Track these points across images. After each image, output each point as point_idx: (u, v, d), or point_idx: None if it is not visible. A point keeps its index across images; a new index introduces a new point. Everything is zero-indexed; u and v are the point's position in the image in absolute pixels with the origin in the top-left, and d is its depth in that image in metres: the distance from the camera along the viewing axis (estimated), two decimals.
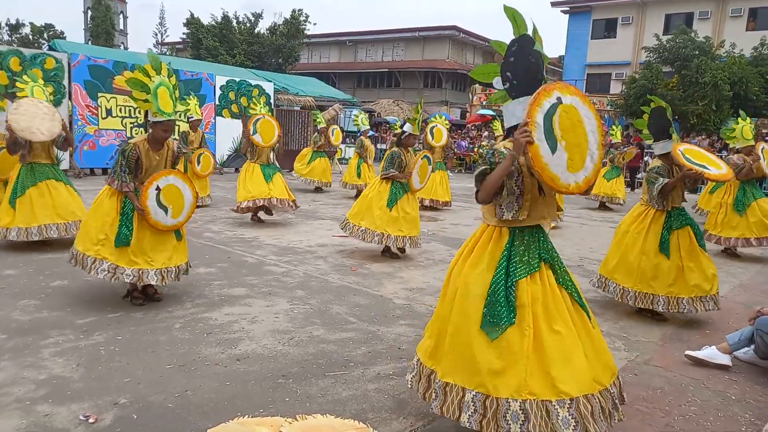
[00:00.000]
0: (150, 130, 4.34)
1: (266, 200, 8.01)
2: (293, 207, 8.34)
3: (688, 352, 3.90)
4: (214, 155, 10.12)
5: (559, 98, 2.43)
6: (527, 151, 2.38)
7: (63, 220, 6.12)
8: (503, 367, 2.45)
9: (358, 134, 12.95)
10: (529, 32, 2.58)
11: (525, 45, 2.55)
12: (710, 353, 3.83)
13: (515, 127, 2.56)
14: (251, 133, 7.91)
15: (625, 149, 12.20)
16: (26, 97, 6.00)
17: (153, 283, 4.38)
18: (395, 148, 6.42)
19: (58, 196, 6.14)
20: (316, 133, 13.11)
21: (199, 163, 9.49)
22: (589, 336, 2.59)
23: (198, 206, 9.44)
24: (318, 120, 13.36)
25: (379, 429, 2.80)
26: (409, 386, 2.88)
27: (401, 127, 6.78)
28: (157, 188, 4.27)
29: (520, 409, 2.37)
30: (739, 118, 7.37)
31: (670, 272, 4.53)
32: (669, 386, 3.49)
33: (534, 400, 2.37)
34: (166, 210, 4.32)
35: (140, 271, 4.31)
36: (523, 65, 2.55)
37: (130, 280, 4.31)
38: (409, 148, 6.46)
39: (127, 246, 4.27)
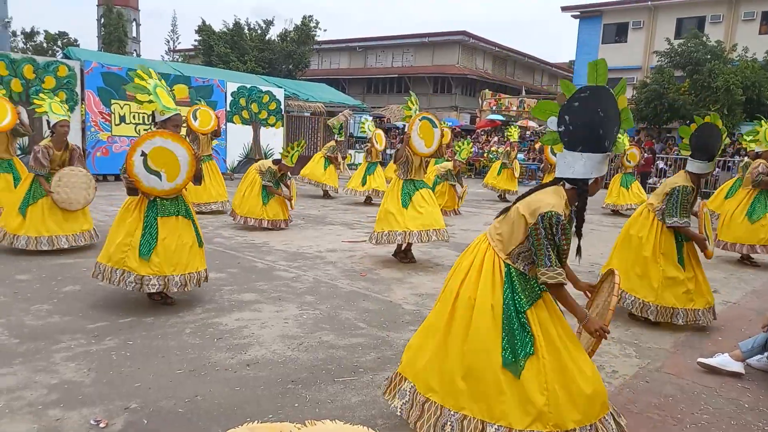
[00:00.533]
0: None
1: (257, 221, 8.25)
2: (285, 226, 8.52)
3: (700, 360, 3.86)
4: (217, 118, 9.85)
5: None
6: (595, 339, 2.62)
7: (72, 232, 6.30)
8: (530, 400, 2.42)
9: (366, 140, 13.01)
10: (612, 91, 2.49)
11: (598, 97, 2.44)
12: (723, 361, 3.79)
13: (576, 182, 2.53)
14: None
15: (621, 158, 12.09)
16: (68, 169, 6.18)
17: (176, 289, 4.41)
18: (401, 145, 6.43)
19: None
20: (333, 142, 13.12)
21: (196, 119, 9.20)
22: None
23: (216, 211, 9.55)
24: (335, 129, 13.41)
25: None
26: (399, 413, 2.71)
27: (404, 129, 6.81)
28: (142, 153, 4.17)
29: None
30: (763, 121, 7.30)
31: (687, 284, 4.51)
32: (681, 394, 3.46)
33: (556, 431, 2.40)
34: (159, 175, 4.23)
35: (166, 279, 4.33)
36: (586, 114, 2.44)
37: (156, 290, 4.35)
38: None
39: (151, 256, 4.29)
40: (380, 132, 12.47)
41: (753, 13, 26.14)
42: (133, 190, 4.32)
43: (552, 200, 2.45)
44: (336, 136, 13.30)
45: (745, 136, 7.63)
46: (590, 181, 2.52)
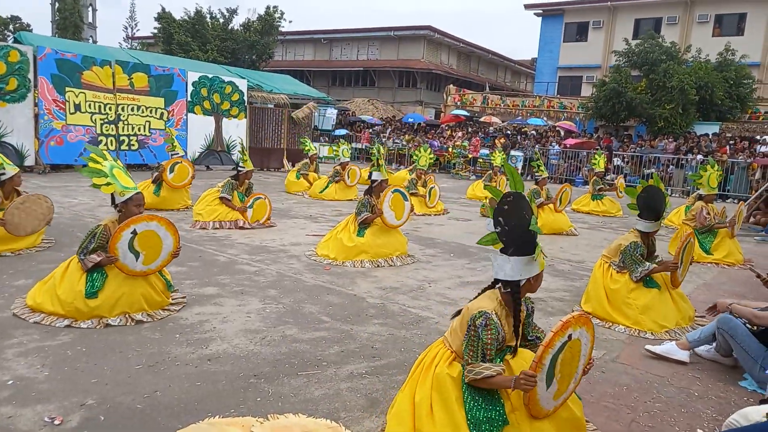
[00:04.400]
0: (121, 212, 4.23)
1: (233, 222, 7.99)
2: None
3: (647, 347, 4.03)
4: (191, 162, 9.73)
5: (570, 336, 2.45)
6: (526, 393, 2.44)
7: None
8: None
9: (336, 163, 12.93)
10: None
11: (521, 201, 2.62)
12: (669, 348, 3.97)
13: (509, 284, 2.63)
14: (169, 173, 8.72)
15: (614, 188, 12.41)
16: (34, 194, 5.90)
17: None
18: (366, 197, 6.45)
19: None
20: (306, 160, 13.19)
21: (172, 171, 9.05)
22: None
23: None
24: (307, 148, 13.34)
25: (352, 428, 2.81)
26: None
27: (369, 177, 6.75)
28: (134, 232, 4.11)
29: None
30: (708, 165, 7.63)
31: (666, 301, 4.66)
32: (635, 383, 3.58)
33: None
34: (137, 256, 4.15)
35: None
36: (515, 216, 2.61)
37: None
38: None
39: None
40: (355, 168, 12.28)
41: (707, 16, 27.11)
42: (92, 270, 4.10)
43: (483, 304, 2.64)
44: (307, 152, 13.27)
45: (692, 176, 7.98)
46: (522, 282, 2.66)
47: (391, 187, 6.50)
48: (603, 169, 12.27)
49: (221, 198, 8.03)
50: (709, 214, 7.51)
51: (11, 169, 5.90)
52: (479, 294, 2.79)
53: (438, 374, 2.62)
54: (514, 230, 2.61)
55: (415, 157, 11.02)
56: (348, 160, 12.63)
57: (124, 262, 4.11)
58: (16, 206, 5.68)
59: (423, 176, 10.88)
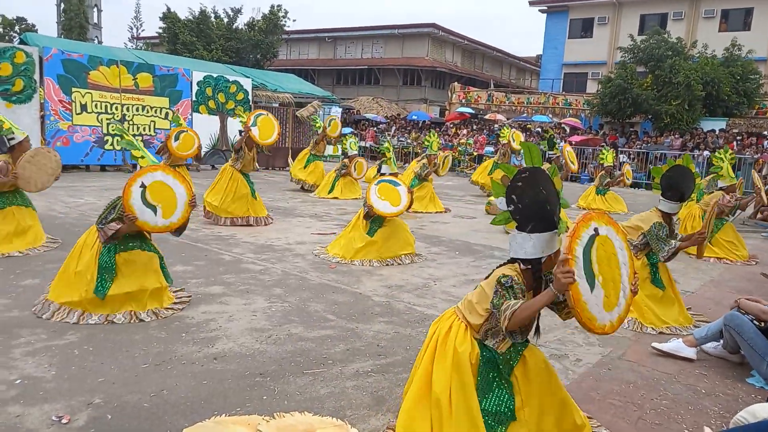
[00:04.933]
0: None
1: (244, 219, 8.04)
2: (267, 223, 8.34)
3: (654, 344, 4.02)
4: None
5: (596, 229, 2.34)
6: (567, 290, 2.24)
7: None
8: None
9: (342, 156, 12.90)
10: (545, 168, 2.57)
11: (537, 177, 2.50)
12: (676, 346, 3.95)
13: (529, 261, 2.53)
14: (251, 124, 7.92)
15: (621, 175, 12.43)
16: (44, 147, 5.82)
17: None
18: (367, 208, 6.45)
19: (22, 221, 5.95)
20: (316, 136, 13.17)
21: (177, 140, 8.78)
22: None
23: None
24: (318, 125, 13.34)
25: (357, 426, 2.81)
26: None
27: (378, 171, 6.75)
28: (142, 185, 4.07)
29: None
30: (721, 153, 7.70)
31: (670, 301, 4.63)
32: (641, 380, 3.57)
33: None
34: (154, 209, 4.11)
35: None
36: (530, 193, 2.50)
37: None
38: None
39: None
40: (362, 161, 12.27)
41: (713, 11, 26.92)
42: (112, 238, 4.10)
43: (505, 271, 2.56)
44: (317, 130, 13.26)
45: (713, 170, 8.01)
46: (543, 259, 2.56)
47: (375, 179, 6.48)
48: (611, 164, 12.22)
49: (234, 150, 8.00)
50: (730, 199, 7.52)
51: (20, 134, 5.85)
52: (494, 270, 2.68)
53: (460, 354, 2.56)
54: (529, 207, 2.51)
55: (426, 143, 11.05)
56: (356, 152, 12.57)
57: (143, 219, 4.07)
58: (28, 159, 5.64)
59: (434, 161, 10.88)
